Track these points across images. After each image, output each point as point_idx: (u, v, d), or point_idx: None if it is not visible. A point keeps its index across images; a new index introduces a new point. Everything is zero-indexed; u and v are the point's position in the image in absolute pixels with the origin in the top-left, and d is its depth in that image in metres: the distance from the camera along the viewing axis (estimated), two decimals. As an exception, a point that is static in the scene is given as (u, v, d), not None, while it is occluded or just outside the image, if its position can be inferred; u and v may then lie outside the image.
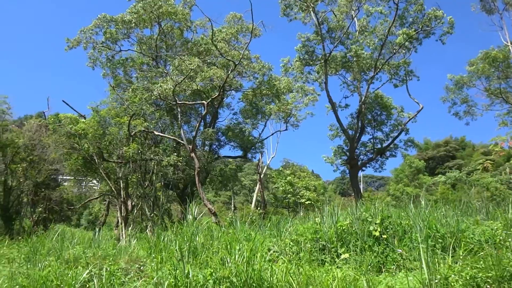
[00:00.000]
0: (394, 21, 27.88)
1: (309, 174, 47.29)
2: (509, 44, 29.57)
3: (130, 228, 19.82)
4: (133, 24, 27.31)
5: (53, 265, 7.43)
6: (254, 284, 6.06)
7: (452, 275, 5.69)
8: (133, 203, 23.08)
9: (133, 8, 26.45)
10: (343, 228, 8.75)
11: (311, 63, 31.63)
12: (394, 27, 28.63)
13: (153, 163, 24.17)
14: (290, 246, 8.61)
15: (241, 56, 24.26)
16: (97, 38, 28.11)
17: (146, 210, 23.83)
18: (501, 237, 7.41)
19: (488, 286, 5.47)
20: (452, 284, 5.58)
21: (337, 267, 7.34)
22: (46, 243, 9.63)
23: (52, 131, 25.42)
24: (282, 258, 7.86)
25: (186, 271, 6.20)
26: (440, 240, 7.73)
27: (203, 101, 24.10)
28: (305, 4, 27.80)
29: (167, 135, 25.72)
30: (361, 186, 46.67)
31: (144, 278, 6.74)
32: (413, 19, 28.23)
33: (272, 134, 37.35)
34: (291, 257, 8.04)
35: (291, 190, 40.14)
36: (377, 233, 8.23)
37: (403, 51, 30.08)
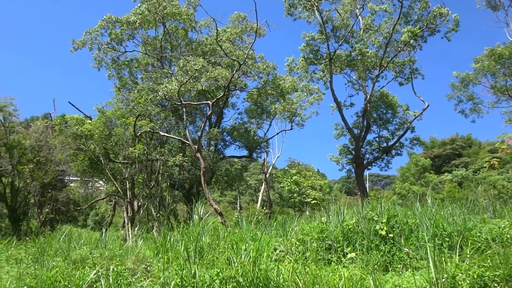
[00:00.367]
0: (398, 19, 27.77)
1: (315, 174, 47.21)
2: (515, 40, 29.35)
3: (136, 229, 19.90)
4: (138, 25, 27.40)
5: (61, 265, 7.46)
6: (261, 284, 6.06)
7: (459, 274, 5.67)
8: (139, 204, 23.16)
9: (138, 9, 26.53)
10: (349, 227, 8.73)
11: (315, 62, 31.58)
12: (399, 25, 28.52)
13: (159, 164, 24.24)
14: (296, 245, 8.60)
15: (245, 56, 24.26)
16: (102, 39, 28.27)
17: (152, 210, 23.91)
18: (508, 235, 7.38)
19: (495, 285, 5.44)
20: (459, 283, 5.55)
21: (343, 266, 7.33)
22: (53, 244, 9.66)
23: (58, 132, 25.58)
24: (288, 258, 7.85)
25: (193, 271, 6.21)
26: (447, 239, 7.69)
27: (208, 101, 24.13)
28: (309, 3, 27.74)
29: (172, 136, 25.78)
30: (367, 185, 46.55)
31: (150, 278, 6.76)
32: (418, 17, 28.11)
33: (277, 134, 37.36)
34: (297, 256, 8.03)
35: (297, 189, 40.12)
36: (383, 232, 8.21)
37: (408, 49, 29.98)
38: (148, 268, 7.29)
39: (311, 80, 32.99)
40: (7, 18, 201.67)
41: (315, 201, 37.31)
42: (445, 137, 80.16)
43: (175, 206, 30.46)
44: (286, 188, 41.22)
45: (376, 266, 7.35)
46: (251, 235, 8.89)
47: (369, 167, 34.84)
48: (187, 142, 23.63)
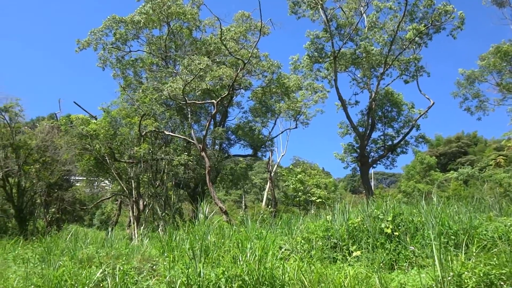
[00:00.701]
0: (403, 17, 27.66)
1: (320, 172, 47.16)
2: (521, 37, 29.15)
3: (142, 228, 19.97)
4: (142, 25, 27.50)
5: (67, 265, 7.50)
6: (266, 282, 6.08)
7: (465, 272, 5.65)
8: (144, 203, 23.24)
9: (142, 9, 26.61)
10: (355, 225, 8.72)
11: (320, 60, 31.53)
12: (404, 23, 28.39)
13: (164, 163, 24.31)
14: (301, 244, 8.60)
15: (250, 55, 24.26)
16: (107, 39, 28.42)
17: (158, 209, 23.99)
18: (514, 233, 7.34)
19: (501, 283, 5.42)
20: (465, 281, 5.54)
21: (349, 264, 7.32)
22: (59, 243, 9.71)
23: (64, 132, 25.70)
24: (293, 256, 7.86)
25: (199, 270, 6.24)
26: (453, 237, 7.67)
27: (213, 100, 24.18)
28: (313, 1, 27.69)
29: (177, 135, 25.84)
30: (372, 183, 46.44)
31: (156, 277, 6.79)
32: (423, 14, 27.99)
33: (282, 132, 37.32)
34: (303, 255, 8.03)
35: (302, 188, 40.05)
36: (389, 230, 8.20)
37: (413, 47, 29.85)
38: (154, 267, 7.32)
39: (316, 79, 32.94)
40: (10, 17, 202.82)
41: (320, 200, 37.23)
42: (450, 135, 79.96)
43: (181, 205, 30.55)
44: (291, 186, 41.17)
45: (381, 264, 7.34)
46: (256, 233, 8.89)
47: (374, 165, 34.76)
48: (192, 141, 23.68)
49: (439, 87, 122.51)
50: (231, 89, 24.68)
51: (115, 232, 15.11)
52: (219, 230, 9.43)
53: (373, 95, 30.59)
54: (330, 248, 8.42)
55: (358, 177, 64.83)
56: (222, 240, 8.58)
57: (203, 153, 21.82)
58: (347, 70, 32.86)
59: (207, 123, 24.62)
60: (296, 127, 35.41)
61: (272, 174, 37.20)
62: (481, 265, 5.79)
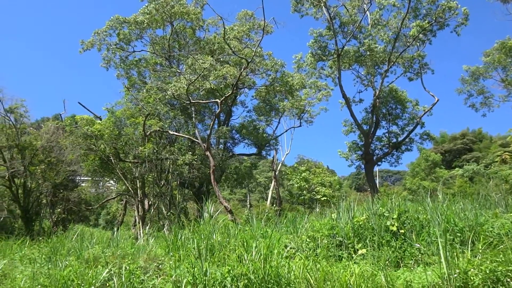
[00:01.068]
0: (407, 14, 27.55)
1: (324, 170, 47.04)
2: (526, 33, 28.96)
3: (147, 227, 20.04)
4: (146, 25, 27.54)
5: (74, 264, 7.53)
6: (272, 281, 6.08)
7: (472, 269, 5.63)
8: (149, 202, 23.30)
9: (146, 9, 26.67)
10: (360, 223, 8.70)
11: (324, 58, 31.49)
12: (408, 20, 28.30)
13: (168, 162, 24.36)
14: (306, 242, 8.60)
15: (253, 54, 24.25)
16: (111, 39, 28.48)
17: (163, 209, 24.05)
18: (521, 230, 7.30)
19: (508, 280, 5.40)
20: (472, 278, 5.52)
21: (354, 262, 7.31)
22: (66, 243, 9.75)
23: (69, 132, 25.81)
24: (299, 255, 7.86)
25: (204, 269, 6.25)
26: (459, 234, 7.64)
27: (217, 100, 24.20)
28: (316, -1, 27.66)
29: (182, 134, 25.89)
30: (377, 181, 46.34)
31: (162, 276, 6.81)
32: (427, 11, 27.86)
33: (286, 131, 37.34)
34: (308, 253, 8.03)
35: (307, 186, 40.01)
36: (394, 228, 8.17)
37: (417, 44, 29.76)
38: (160, 266, 7.35)
39: (319, 77, 32.91)
40: (14, 18, 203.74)
41: (325, 198, 37.17)
42: (455, 132, 79.45)
43: (185, 205, 30.61)
44: (296, 185, 41.12)
45: (387, 262, 7.32)
46: (261, 232, 8.90)
47: (379, 163, 34.75)
48: (197, 140, 23.73)
49: (443, 84, 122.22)
50: (235, 88, 24.68)
51: (120, 232, 15.18)
52: (224, 229, 9.44)
53: (377, 92, 30.51)
54: (335, 246, 8.40)
55: (362, 175, 64.78)
56: (228, 239, 8.59)
57: (207, 153, 21.85)
58: (351, 68, 32.80)
59: (211, 123, 24.65)
60: (300, 126, 35.39)
61: (276, 173, 37.19)
62: (487, 262, 5.77)
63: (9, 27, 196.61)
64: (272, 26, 28.07)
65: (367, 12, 29.77)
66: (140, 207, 22.83)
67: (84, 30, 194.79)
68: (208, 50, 28.43)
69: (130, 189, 23.60)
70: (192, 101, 23.82)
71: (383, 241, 8.02)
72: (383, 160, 33.93)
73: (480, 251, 6.52)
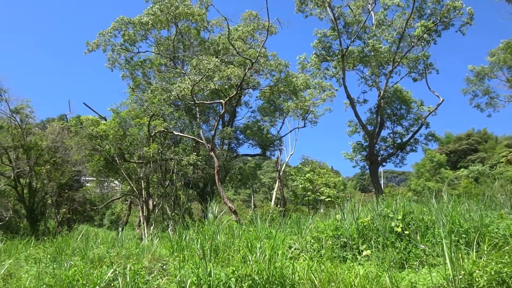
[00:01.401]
0: (411, 13, 27.48)
1: (329, 171, 46.95)
2: (532, 33, 28.81)
3: (152, 228, 20.08)
4: (150, 26, 27.65)
5: (78, 264, 7.56)
6: (276, 282, 6.08)
7: (477, 271, 5.61)
8: (154, 203, 23.34)
9: (150, 10, 26.76)
10: (365, 224, 8.68)
11: (328, 58, 31.47)
12: (412, 20, 28.22)
13: (173, 163, 24.40)
14: (311, 243, 8.58)
15: (257, 54, 24.27)
16: (116, 40, 28.61)
17: (167, 209, 24.09)
18: (527, 232, 7.26)
19: (514, 282, 5.37)
20: (477, 279, 5.49)
21: (359, 264, 7.30)
22: (70, 243, 9.78)
23: (74, 133, 25.88)
24: (303, 256, 7.86)
25: (209, 270, 6.26)
26: (464, 235, 7.61)
27: (221, 100, 24.22)
28: (320, -1, 27.63)
29: (186, 135, 25.92)
30: (381, 182, 46.22)
31: (167, 277, 6.83)
32: (431, 11, 27.76)
33: (290, 131, 37.27)
34: (312, 254, 8.02)
35: (311, 187, 39.95)
36: (399, 229, 8.15)
37: (422, 44, 29.65)
38: (164, 266, 7.36)
39: (324, 77, 32.86)
40: (19, 18, 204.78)
41: (329, 199, 37.10)
42: (460, 132, 79.26)
43: (190, 205, 30.64)
44: (300, 186, 41.07)
45: (392, 263, 7.30)
46: (265, 233, 8.90)
47: (384, 163, 34.65)
48: (201, 141, 23.75)
49: (448, 84, 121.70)
50: (239, 88, 24.70)
51: (125, 232, 15.23)
52: (228, 229, 9.45)
53: (381, 93, 30.44)
54: (340, 247, 8.39)
55: (367, 175, 64.54)
56: (232, 240, 8.60)
57: (212, 153, 21.88)
58: (355, 68, 32.76)
59: (216, 123, 24.67)
60: (304, 126, 35.36)
61: (280, 173, 37.16)
62: (493, 263, 5.74)
63: (15, 27, 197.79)
64: (277, 27, 28.14)
65: (372, 12, 29.74)
66: (144, 208, 22.87)
67: (90, 31, 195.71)
68: (212, 50, 28.50)
69: (135, 189, 23.65)
70: (196, 101, 23.85)
71: (388, 242, 8.00)
72: (387, 160, 33.84)
73: (485, 252, 6.49)
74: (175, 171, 24.67)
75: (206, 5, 28.63)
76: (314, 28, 30.40)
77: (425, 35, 28.19)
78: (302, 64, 32.26)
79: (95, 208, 33.28)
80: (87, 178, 34.22)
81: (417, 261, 7.38)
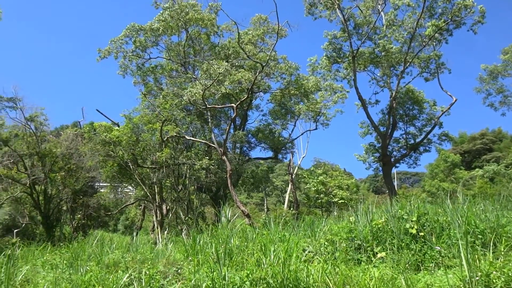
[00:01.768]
0: (422, 13, 27.26)
1: (341, 173, 46.76)
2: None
3: (166, 232, 20.18)
4: (161, 32, 27.87)
5: (94, 269, 7.64)
6: (291, 285, 6.08)
7: (494, 272, 5.55)
8: (168, 207, 23.45)
9: (161, 16, 26.99)
10: (379, 226, 8.63)
11: (339, 60, 31.36)
12: (423, 19, 27.99)
13: (185, 167, 24.51)
14: (325, 246, 8.56)
15: (268, 58, 24.30)
16: (127, 47, 28.90)
17: (181, 213, 24.18)
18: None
19: (532, 282, 5.30)
20: (494, 281, 5.43)
21: (374, 266, 7.25)
22: (86, 249, 9.88)
23: (87, 139, 26.16)
24: (317, 258, 7.83)
25: (223, 273, 6.28)
26: (480, 236, 7.53)
27: (232, 104, 24.27)
28: (330, 1, 27.56)
29: (198, 139, 26.02)
30: (395, 183, 45.82)
31: (182, 281, 6.86)
32: (442, 10, 27.51)
33: (302, 134, 37.12)
34: (327, 257, 8.00)
35: (324, 189, 39.80)
36: (413, 231, 8.09)
37: (433, 43, 29.39)
38: (179, 270, 7.40)
39: (335, 79, 32.76)
40: (36, 31, 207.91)
41: (343, 201, 36.93)
42: (474, 132, 78.18)
43: (203, 209, 30.72)
44: (313, 188, 40.95)
45: (407, 265, 7.26)
46: (279, 236, 8.89)
47: (397, 164, 34.36)
48: (213, 145, 23.81)
49: (461, 84, 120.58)
50: (250, 92, 24.74)
51: (139, 237, 15.33)
52: (242, 233, 9.46)
53: (393, 93, 30.23)
54: (354, 249, 8.35)
55: (380, 177, 64.11)
56: (246, 243, 8.61)
57: (224, 157, 21.92)
58: (366, 69, 32.60)
59: (227, 127, 24.73)
60: (316, 129, 35.19)
61: (293, 176, 37.07)
62: (510, 264, 5.68)
63: (29, 36, 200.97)
64: (286, 30, 28.13)
65: (382, 13, 29.56)
66: (158, 212, 22.99)
67: (101, 38, 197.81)
68: (223, 55, 28.61)
69: (148, 194, 23.79)
70: (208, 106, 23.95)
71: (403, 244, 7.95)
72: (401, 161, 33.57)
73: (502, 253, 6.42)
74: (188, 176, 24.77)
75: (216, 10, 28.76)
76: (323, 30, 30.38)
77: (437, 35, 27.93)
78: (312, 66, 32.21)
79: (109, 213, 33.52)
80: (101, 184, 34.51)
81: (432, 262, 7.33)
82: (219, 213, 10.46)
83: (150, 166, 23.60)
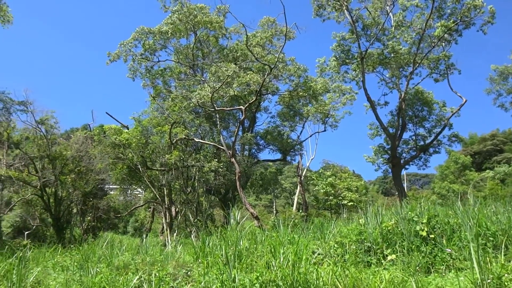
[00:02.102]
0: (431, 14, 27.11)
1: (351, 175, 46.53)
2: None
3: (175, 234, 20.22)
4: (170, 35, 28.01)
5: (104, 271, 7.68)
6: None
7: (506, 274, 5.49)
8: (177, 209, 23.52)
9: (169, 19, 27.14)
10: (389, 228, 8.58)
11: (347, 61, 31.27)
12: (432, 20, 27.83)
13: (194, 170, 24.58)
14: (334, 248, 8.52)
15: (276, 60, 24.32)
16: (136, 50, 29.09)
17: (190, 215, 24.26)
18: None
19: (545, 285, 5.24)
20: (506, 283, 5.38)
21: (384, 268, 7.21)
22: (96, 251, 9.94)
23: (97, 142, 26.36)
24: (327, 261, 7.80)
25: (233, 276, 6.28)
26: (491, 238, 7.45)
27: (241, 106, 24.31)
28: (338, 3, 27.52)
29: (207, 142, 26.09)
30: (404, 185, 45.55)
31: (191, 283, 6.87)
32: (451, 10, 27.34)
33: (311, 136, 37.07)
34: (336, 259, 7.96)
35: (333, 191, 39.64)
36: (424, 233, 8.02)
37: (443, 44, 29.19)
38: (189, 273, 7.41)
39: (343, 81, 32.66)
40: (45, 34, 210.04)
41: (352, 203, 36.74)
42: (485, 133, 77.42)
43: (212, 211, 30.79)
44: (322, 190, 40.80)
45: (417, 268, 7.20)
46: (288, 238, 8.87)
47: (406, 166, 34.15)
48: (222, 147, 23.86)
49: (471, 84, 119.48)
50: (258, 94, 24.77)
51: (149, 239, 15.38)
52: (251, 235, 9.45)
53: (402, 95, 30.07)
54: (364, 252, 8.30)
55: (389, 179, 63.70)
56: (255, 246, 8.60)
57: (232, 159, 21.95)
58: (375, 70, 32.47)
59: (236, 129, 24.78)
60: (324, 130, 35.12)
61: (302, 178, 37.00)
62: (522, 267, 5.62)
63: (39, 41, 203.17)
64: (294, 32, 28.14)
65: (390, 14, 29.43)
66: (167, 214, 23.07)
67: (111, 41, 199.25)
68: (231, 57, 28.69)
69: (158, 196, 23.89)
70: (216, 108, 24.01)
71: (413, 246, 7.89)
72: (410, 163, 33.37)
73: (515, 255, 6.35)
74: (196, 178, 24.84)
75: (224, 13, 28.86)
76: (332, 31, 30.32)
77: (446, 35, 27.75)
78: (321, 68, 32.14)
79: (119, 215, 33.72)
80: (111, 186, 34.72)
81: (443, 265, 7.26)
82: (228, 215, 10.48)
83: (159, 169, 23.71)
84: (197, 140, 25.08)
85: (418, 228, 8.18)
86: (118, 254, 9.40)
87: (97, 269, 8.02)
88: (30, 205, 28.52)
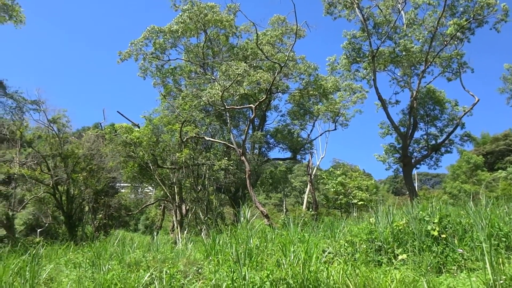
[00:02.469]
0: (443, 12, 26.86)
1: (361, 174, 46.35)
2: None
3: (185, 232, 20.34)
4: (180, 34, 28.10)
5: (116, 268, 7.75)
6: (311, 286, 6.06)
7: (519, 275, 5.44)
8: (187, 207, 23.64)
9: (180, 18, 27.21)
10: (399, 228, 8.53)
11: (358, 60, 31.09)
12: (444, 18, 27.57)
13: (205, 168, 24.67)
14: (345, 247, 8.50)
15: (286, 58, 24.28)
16: (147, 49, 29.24)
17: (200, 213, 24.35)
18: None
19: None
20: (519, 284, 5.33)
21: (394, 268, 7.18)
22: (108, 248, 10.02)
23: (108, 140, 26.57)
24: (337, 260, 7.79)
25: (243, 273, 6.30)
26: (504, 239, 7.38)
27: (251, 105, 24.32)
28: (349, 1, 27.39)
29: (217, 140, 26.16)
30: (415, 184, 45.20)
31: (202, 280, 6.91)
32: (464, 8, 27.05)
33: (321, 135, 36.86)
34: (347, 258, 7.94)
35: (343, 190, 39.53)
36: (435, 233, 7.97)
37: (455, 42, 28.89)
38: (199, 270, 7.45)
39: (354, 79, 32.48)
40: (53, 30, 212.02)
41: (362, 202, 36.60)
42: (497, 133, 76.43)
43: (222, 209, 30.86)
44: (332, 189, 40.72)
45: (429, 267, 7.15)
46: (298, 237, 8.86)
47: (418, 165, 33.89)
48: (232, 146, 23.91)
49: (484, 83, 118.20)
50: (268, 93, 24.76)
51: (159, 237, 15.48)
52: (261, 233, 9.46)
53: (414, 93, 29.84)
54: (374, 251, 8.27)
55: (400, 178, 63.32)
56: (265, 244, 8.61)
57: (243, 158, 21.98)
58: (386, 69, 32.24)
59: (246, 128, 24.80)
60: (335, 129, 34.95)
61: (312, 177, 36.89)
62: (536, 267, 5.56)
63: (51, 41, 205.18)
64: (305, 30, 28.07)
65: (402, 12, 29.21)
66: (178, 212, 23.19)
67: (121, 40, 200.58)
68: (241, 56, 28.70)
69: (168, 194, 24.02)
70: (226, 107, 24.05)
71: (424, 246, 7.84)
72: (421, 162, 33.09)
73: (528, 256, 6.29)
74: (207, 176, 24.93)
75: (234, 11, 28.89)
76: (342, 29, 30.14)
77: (458, 33, 27.47)
78: (332, 66, 31.99)
79: (130, 213, 33.97)
80: (122, 184, 34.98)
81: (455, 265, 7.21)
82: (238, 213, 10.48)
83: (170, 167, 23.83)
84: (207, 139, 25.16)
85: (429, 227, 8.13)
86: (129, 251, 9.48)
87: (109, 266, 8.10)
88: (43, 203, 28.82)
